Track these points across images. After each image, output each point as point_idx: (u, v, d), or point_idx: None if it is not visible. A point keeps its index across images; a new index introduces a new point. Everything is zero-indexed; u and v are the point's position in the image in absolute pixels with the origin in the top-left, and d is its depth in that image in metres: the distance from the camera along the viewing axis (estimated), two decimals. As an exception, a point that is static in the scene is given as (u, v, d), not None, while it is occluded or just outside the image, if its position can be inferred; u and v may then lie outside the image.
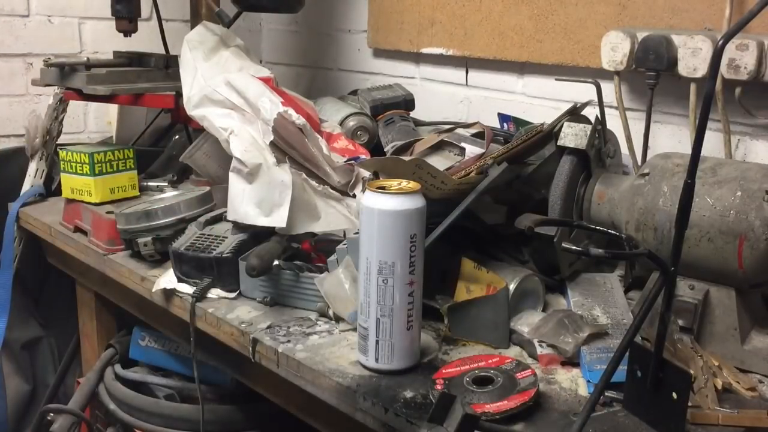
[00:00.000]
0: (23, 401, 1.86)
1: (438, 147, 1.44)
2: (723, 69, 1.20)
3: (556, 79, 1.40)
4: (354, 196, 1.34)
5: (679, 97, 1.35)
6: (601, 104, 1.22)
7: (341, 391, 0.93)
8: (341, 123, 1.52)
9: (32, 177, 1.70)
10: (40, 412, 1.64)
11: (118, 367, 1.57)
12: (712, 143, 1.30)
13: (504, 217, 1.23)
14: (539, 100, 1.62)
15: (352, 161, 1.37)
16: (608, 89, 1.34)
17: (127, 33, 1.65)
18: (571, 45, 1.51)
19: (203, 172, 1.48)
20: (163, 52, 1.75)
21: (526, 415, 0.85)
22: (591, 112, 1.22)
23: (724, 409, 0.87)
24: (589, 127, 1.15)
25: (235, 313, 1.13)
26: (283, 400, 1.15)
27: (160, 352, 1.55)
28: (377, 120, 1.57)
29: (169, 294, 1.21)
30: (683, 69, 1.25)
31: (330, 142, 1.42)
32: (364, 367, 0.96)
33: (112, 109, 1.91)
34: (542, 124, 1.24)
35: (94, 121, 2.07)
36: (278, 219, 1.19)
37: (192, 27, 1.68)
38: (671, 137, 1.41)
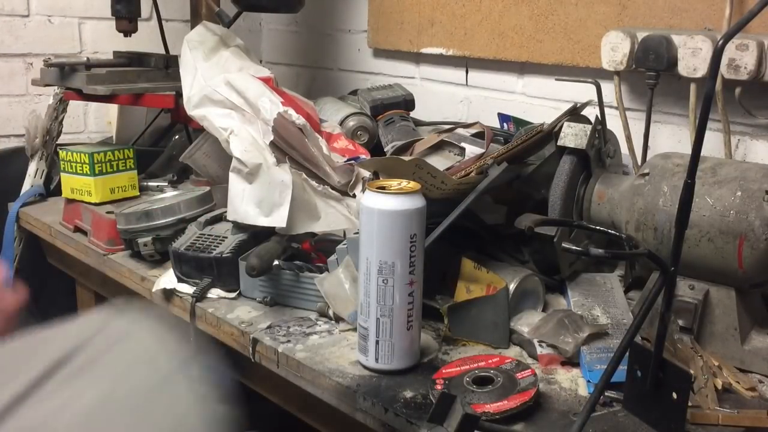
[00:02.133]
0: (23, 401, 1.85)
1: (438, 147, 1.44)
2: (723, 69, 1.20)
3: (556, 79, 1.40)
4: (354, 196, 1.34)
5: (679, 97, 1.35)
6: (601, 104, 1.22)
7: (341, 391, 0.93)
8: (341, 123, 1.52)
9: (32, 177, 1.70)
10: (40, 412, 1.64)
11: (118, 367, 1.57)
12: (712, 143, 1.30)
13: (504, 217, 1.23)
14: (539, 100, 1.62)
15: (352, 161, 1.37)
16: (608, 89, 1.34)
17: (127, 33, 1.65)
18: (571, 45, 1.50)
19: (203, 172, 1.48)
20: (163, 52, 1.75)
21: (526, 415, 0.85)
22: (591, 112, 1.22)
23: (724, 409, 0.87)
24: (589, 127, 1.15)
25: (235, 313, 1.13)
26: (283, 400, 1.15)
27: (160, 352, 1.55)
28: (377, 120, 1.57)
29: (169, 294, 1.21)
30: (683, 69, 1.25)
31: (330, 142, 1.42)
32: (364, 367, 0.96)
33: (112, 109, 1.91)
34: (542, 124, 1.24)
35: (94, 121, 2.07)
36: (278, 219, 1.18)
37: (192, 27, 1.68)
38: (671, 137, 1.41)
